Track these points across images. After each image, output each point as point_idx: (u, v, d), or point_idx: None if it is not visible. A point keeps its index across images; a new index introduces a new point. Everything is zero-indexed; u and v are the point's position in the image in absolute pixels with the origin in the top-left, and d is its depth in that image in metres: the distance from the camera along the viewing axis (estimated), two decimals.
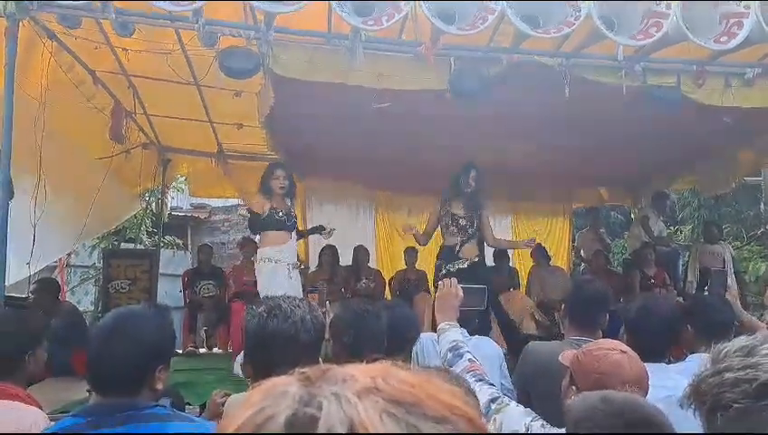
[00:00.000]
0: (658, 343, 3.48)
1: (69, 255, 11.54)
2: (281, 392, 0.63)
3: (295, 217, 7.22)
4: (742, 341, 1.45)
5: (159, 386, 2.39)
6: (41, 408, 3.09)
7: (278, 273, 6.73)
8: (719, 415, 1.34)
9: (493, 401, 2.54)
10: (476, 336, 4.59)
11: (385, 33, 5.57)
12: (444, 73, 5.85)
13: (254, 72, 5.71)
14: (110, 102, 7.51)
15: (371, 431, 0.57)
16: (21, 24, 5.31)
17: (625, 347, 2.48)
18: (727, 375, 1.36)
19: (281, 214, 6.87)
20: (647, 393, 2.39)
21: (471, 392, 2.45)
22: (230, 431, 0.62)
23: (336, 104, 6.63)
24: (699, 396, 1.42)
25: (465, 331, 3.25)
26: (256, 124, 7.14)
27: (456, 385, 2.03)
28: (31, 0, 5.20)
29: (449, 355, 2.90)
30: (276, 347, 2.47)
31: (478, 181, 7.52)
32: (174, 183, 11.74)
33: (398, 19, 5.24)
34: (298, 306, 2.57)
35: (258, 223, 7.15)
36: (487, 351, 4.48)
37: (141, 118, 8.57)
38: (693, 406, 1.47)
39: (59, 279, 11.49)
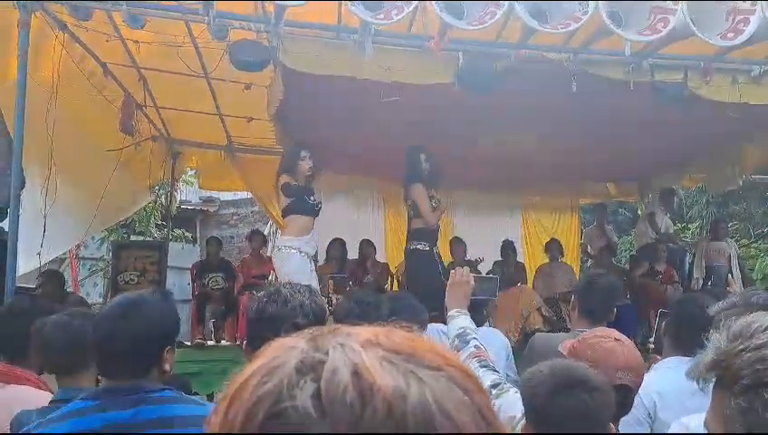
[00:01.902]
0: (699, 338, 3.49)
1: (78, 247, 11.60)
2: (290, 347, 0.69)
3: (321, 204, 6.79)
4: (764, 318, 1.45)
5: (167, 367, 2.43)
6: (53, 393, 3.14)
7: (305, 264, 6.40)
8: (762, 392, 1.34)
9: (494, 386, 2.60)
10: (484, 327, 4.64)
11: (394, 28, 5.60)
12: (452, 68, 5.88)
13: (265, 65, 5.74)
14: (121, 95, 7.56)
15: (373, 374, 0.63)
16: (33, 15, 5.37)
17: (620, 335, 2.52)
18: (765, 352, 1.37)
19: (312, 199, 6.57)
20: (641, 380, 2.44)
21: None
22: (242, 380, 0.67)
23: (345, 97, 6.64)
24: (729, 371, 1.41)
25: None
26: (266, 117, 7.08)
27: None
28: None
29: (456, 341, 2.95)
30: (275, 331, 2.40)
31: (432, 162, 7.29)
32: (183, 176, 11.78)
33: (408, 13, 5.27)
34: (298, 292, 2.58)
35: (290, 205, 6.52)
36: (495, 342, 4.54)
37: (151, 110, 8.63)
38: (705, 380, 1.47)
39: (70, 271, 11.58)
